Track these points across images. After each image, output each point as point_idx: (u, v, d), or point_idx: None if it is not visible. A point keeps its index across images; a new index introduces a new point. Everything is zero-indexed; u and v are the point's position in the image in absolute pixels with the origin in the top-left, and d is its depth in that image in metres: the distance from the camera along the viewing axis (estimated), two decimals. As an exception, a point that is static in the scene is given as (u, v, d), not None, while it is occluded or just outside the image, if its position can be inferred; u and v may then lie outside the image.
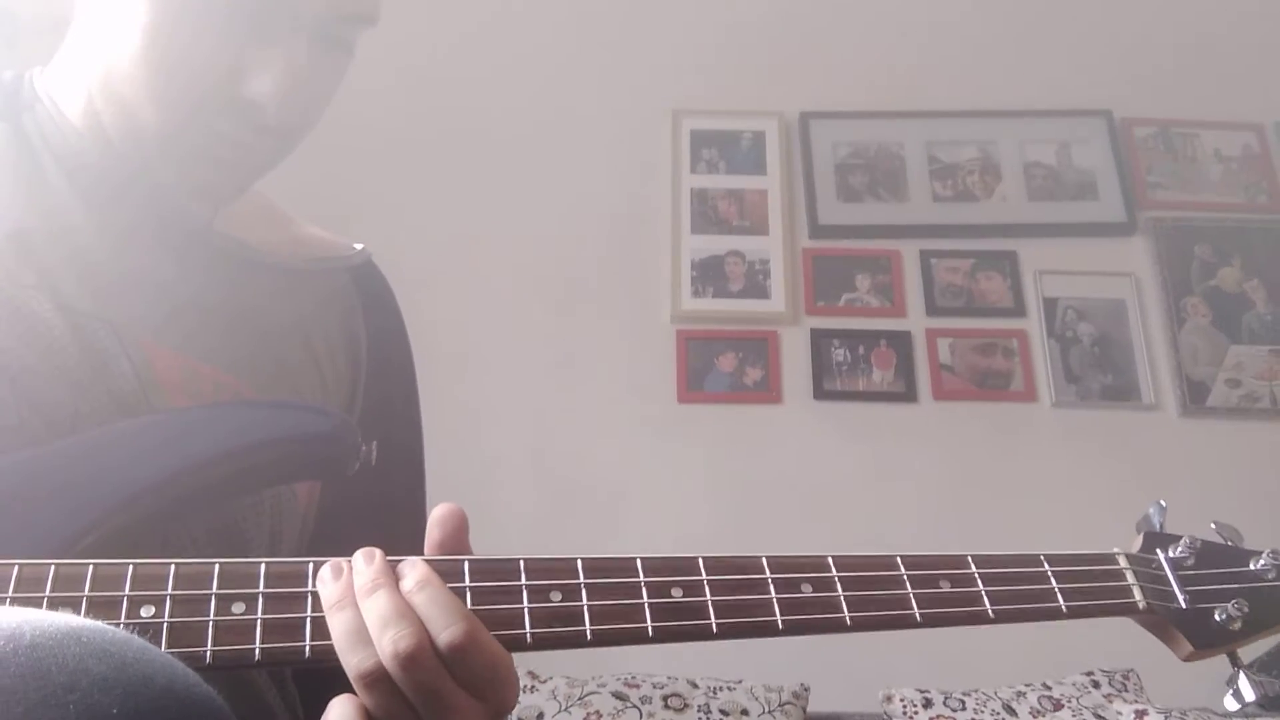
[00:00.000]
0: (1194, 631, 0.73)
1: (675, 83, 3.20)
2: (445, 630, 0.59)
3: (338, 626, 0.60)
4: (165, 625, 0.58)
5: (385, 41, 0.88)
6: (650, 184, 3.10)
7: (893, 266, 3.02)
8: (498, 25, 3.21)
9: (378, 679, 0.58)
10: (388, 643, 0.58)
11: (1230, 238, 3.07)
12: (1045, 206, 3.10)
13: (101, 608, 0.58)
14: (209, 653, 0.58)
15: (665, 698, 2.22)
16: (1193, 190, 3.14)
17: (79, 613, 0.57)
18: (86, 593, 0.59)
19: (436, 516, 0.66)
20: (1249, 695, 0.72)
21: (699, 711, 2.21)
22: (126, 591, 0.59)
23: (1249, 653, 0.75)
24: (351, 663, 0.58)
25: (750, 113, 3.18)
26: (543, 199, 3.08)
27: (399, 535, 0.93)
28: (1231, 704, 0.73)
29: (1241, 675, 0.73)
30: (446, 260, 2.92)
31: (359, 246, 0.96)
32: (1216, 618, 0.74)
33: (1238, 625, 0.74)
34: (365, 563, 0.62)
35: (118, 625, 0.57)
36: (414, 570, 0.62)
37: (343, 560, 0.62)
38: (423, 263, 2.73)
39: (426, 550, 0.66)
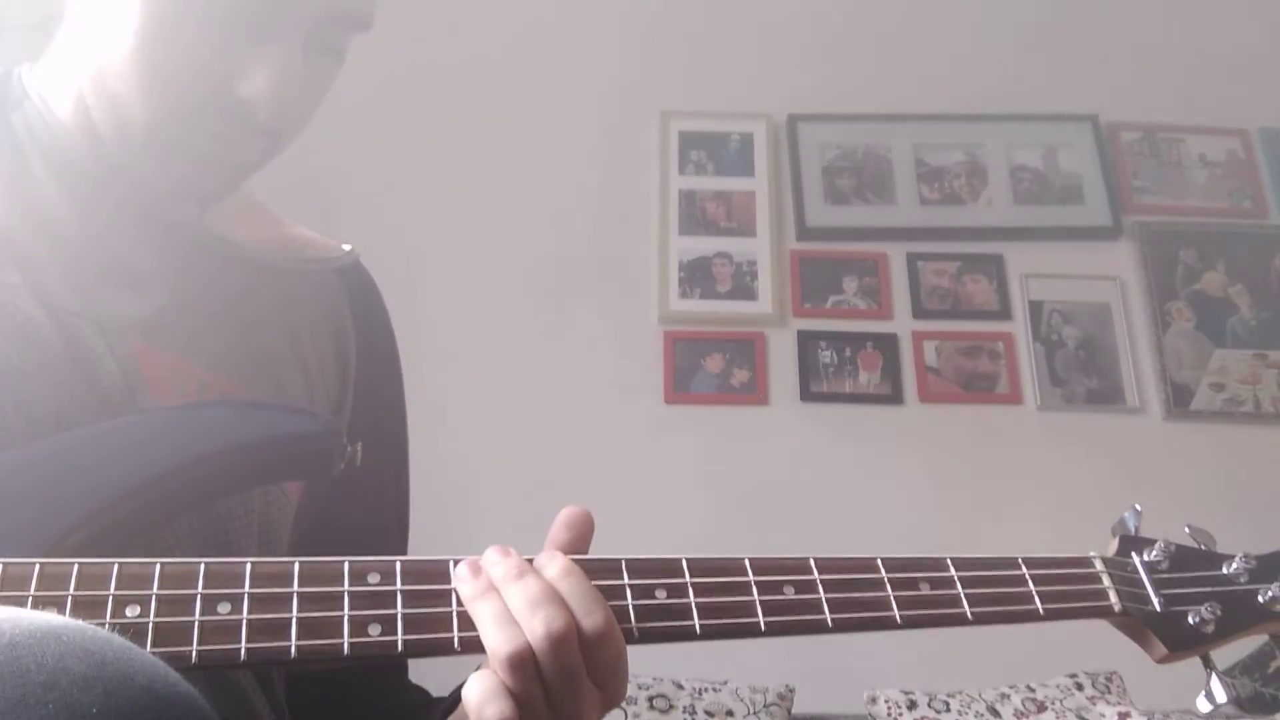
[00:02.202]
0: (1168, 634, 0.74)
1: (664, 84, 3.21)
2: (589, 616, 0.61)
3: (484, 610, 0.62)
4: (150, 625, 0.58)
5: (374, 40, 0.88)
6: (638, 184, 3.10)
7: (879, 269, 3.03)
8: (486, 24, 3.21)
9: (523, 659, 0.60)
10: (539, 623, 0.60)
11: (1215, 242, 3.08)
12: (1031, 210, 3.11)
13: (86, 607, 0.58)
14: (194, 652, 0.58)
15: (651, 698, 2.23)
16: (1178, 195, 3.16)
17: (63, 612, 0.57)
18: (71, 592, 0.58)
19: (567, 519, 0.68)
20: (1220, 697, 0.73)
21: (684, 712, 2.21)
22: (112, 591, 0.59)
23: (1224, 656, 0.76)
24: (499, 641, 0.60)
25: (738, 114, 3.19)
26: (531, 199, 3.08)
27: (384, 535, 0.94)
28: (1204, 705, 0.74)
29: (1214, 677, 0.74)
30: (434, 260, 2.92)
31: (347, 247, 0.96)
32: (1190, 620, 0.75)
33: (1210, 628, 0.74)
34: (503, 555, 0.64)
35: (102, 625, 0.57)
36: (556, 561, 0.64)
37: (476, 558, 0.65)
38: (409, 262, 2.73)
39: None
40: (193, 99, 0.75)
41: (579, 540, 0.67)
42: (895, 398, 2.88)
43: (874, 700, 2.28)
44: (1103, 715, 2.21)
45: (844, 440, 2.83)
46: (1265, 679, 2.14)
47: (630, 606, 0.65)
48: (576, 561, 0.65)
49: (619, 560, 0.66)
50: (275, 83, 0.75)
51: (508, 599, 0.62)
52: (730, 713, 2.21)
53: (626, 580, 0.66)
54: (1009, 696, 2.28)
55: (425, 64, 3.13)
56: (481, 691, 0.60)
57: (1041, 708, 2.25)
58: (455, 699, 0.75)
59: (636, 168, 3.12)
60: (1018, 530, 2.61)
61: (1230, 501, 2.56)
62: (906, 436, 2.85)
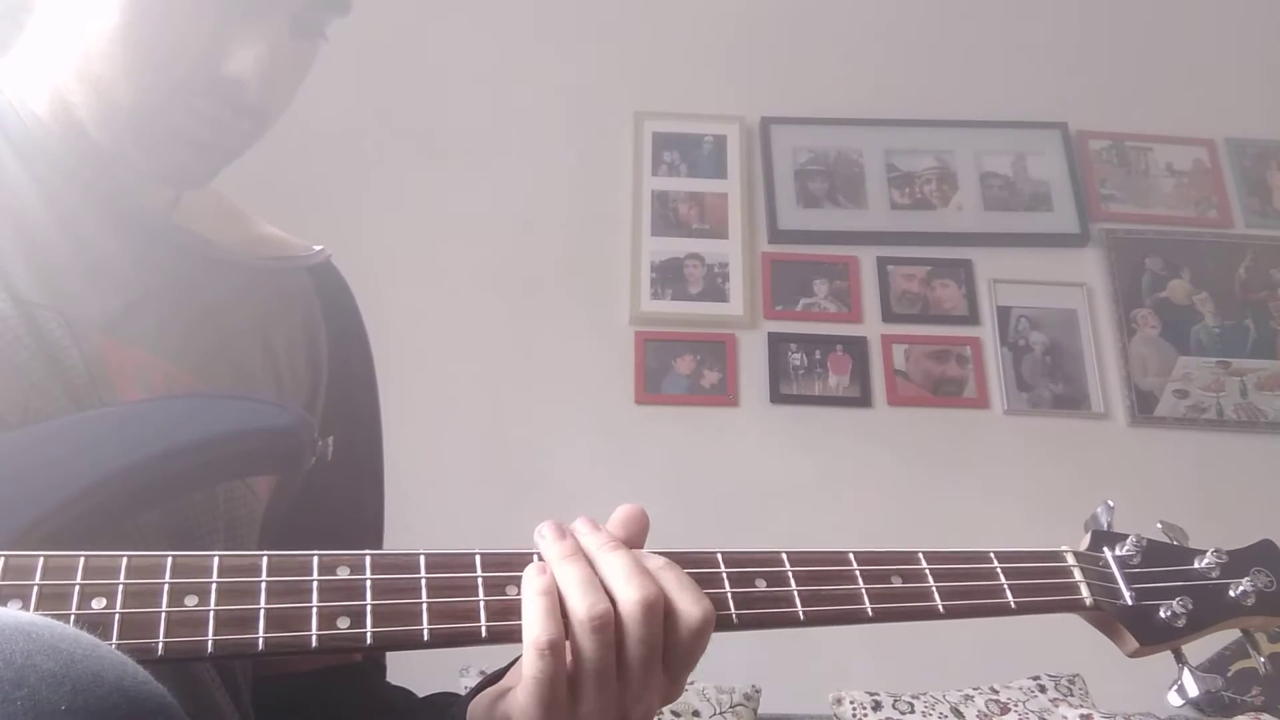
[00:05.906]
0: (1139, 628, 0.74)
1: (638, 85, 3.21)
2: (696, 605, 0.62)
3: (570, 573, 0.62)
4: (116, 617, 0.58)
5: (347, 38, 0.88)
6: (611, 185, 3.10)
7: (850, 272, 3.05)
8: (460, 24, 3.20)
9: (605, 623, 0.60)
10: (634, 589, 0.61)
11: (1180, 250, 3.12)
12: (1000, 216, 3.14)
13: (52, 599, 0.57)
14: (161, 645, 0.57)
15: (617, 698, 2.22)
16: (1144, 203, 3.19)
17: (29, 604, 0.57)
18: (37, 582, 0.58)
19: (622, 516, 0.68)
20: (1192, 691, 0.73)
21: (651, 712, 2.21)
22: (78, 582, 0.58)
23: (1192, 656, 0.77)
24: (584, 604, 0.60)
25: (712, 116, 3.20)
26: (504, 199, 3.07)
27: (356, 533, 0.93)
28: (1175, 699, 0.74)
29: (1185, 671, 0.74)
30: (406, 259, 2.91)
31: (318, 247, 0.96)
32: (1161, 615, 0.75)
33: (1182, 623, 0.75)
34: (593, 528, 0.66)
35: (68, 617, 0.57)
36: (656, 556, 0.65)
37: (560, 521, 0.66)
38: (382, 262, 2.72)
39: None
40: (179, 76, 0.75)
41: (635, 538, 0.68)
42: (864, 400, 2.90)
43: (839, 701, 2.29)
44: (1065, 717, 2.23)
45: (813, 442, 2.84)
46: (1226, 681, 2.16)
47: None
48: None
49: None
50: (264, 61, 0.75)
51: (603, 565, 0.63)
52: (696, 713, 2.22)
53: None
54: (972, 698, 2.30)
55: (397, 62, 3.12)
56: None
57: (1005, 709, 2.27)
58: (484, 684, 0.73)
59: (610, 168, 3.12)
60: (983, 533, 2.62)
61: (1193, 508, 2.58)
62: (875, 439, 2.86)
